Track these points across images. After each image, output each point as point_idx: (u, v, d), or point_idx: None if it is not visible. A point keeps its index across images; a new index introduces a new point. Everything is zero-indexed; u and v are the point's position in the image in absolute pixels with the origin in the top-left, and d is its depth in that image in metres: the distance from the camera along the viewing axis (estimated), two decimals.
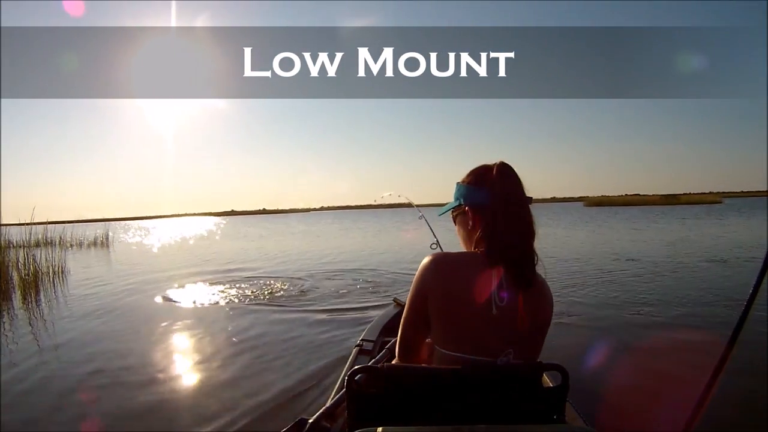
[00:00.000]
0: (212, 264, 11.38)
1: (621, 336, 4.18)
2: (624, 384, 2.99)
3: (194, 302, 6.43)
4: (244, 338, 4.50)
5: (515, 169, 1.34)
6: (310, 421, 1.57)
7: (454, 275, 1.24)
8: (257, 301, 6.32)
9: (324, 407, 1.65)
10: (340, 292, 6.82)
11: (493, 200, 1.28)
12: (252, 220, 70.12)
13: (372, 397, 1.21)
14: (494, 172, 1.32)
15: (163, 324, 5.29)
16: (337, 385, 1.97)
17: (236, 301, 6.45)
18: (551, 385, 1.26)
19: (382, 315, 3.13)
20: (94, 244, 18.56)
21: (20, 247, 9.34)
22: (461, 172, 1.44)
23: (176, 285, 7.98)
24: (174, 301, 6.61)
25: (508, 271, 1.22)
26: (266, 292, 6.97)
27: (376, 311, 3.18)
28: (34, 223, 11.05)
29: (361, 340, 2.53)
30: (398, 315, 2.92)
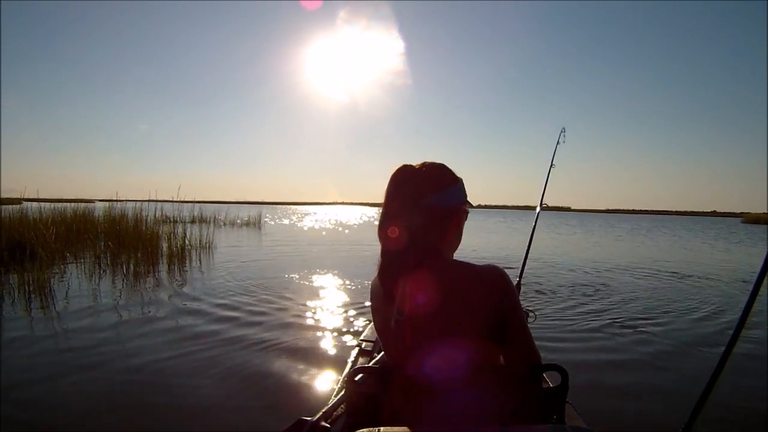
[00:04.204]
0: None
1: (622, 335, 4.25)
2: (624, 384, 3.05)
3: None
4: None
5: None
6: (311, 420, 1.51)
7: (374, 291, 1.33)
8: None
9: (324, 407, 1.61)
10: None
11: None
12: None
13: (372, 398, 1.27)
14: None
15: (285, 294, 5.79)
16: (338, 386, 1.90)
17: None
18: (551, 386, 1.30)
19: None
20: (247, 224, 20.63)
21: (176, 222, 10.60)
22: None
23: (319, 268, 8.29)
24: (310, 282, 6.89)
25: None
26: None
27: None
28: (203, 202, 12.60)
29: (361, 340, 2.45)
30: None
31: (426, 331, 1.18)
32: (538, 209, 3.32)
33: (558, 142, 3.38)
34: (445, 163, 1.36)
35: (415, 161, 1.32)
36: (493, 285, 1.20)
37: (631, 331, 4.46)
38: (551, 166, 3.34)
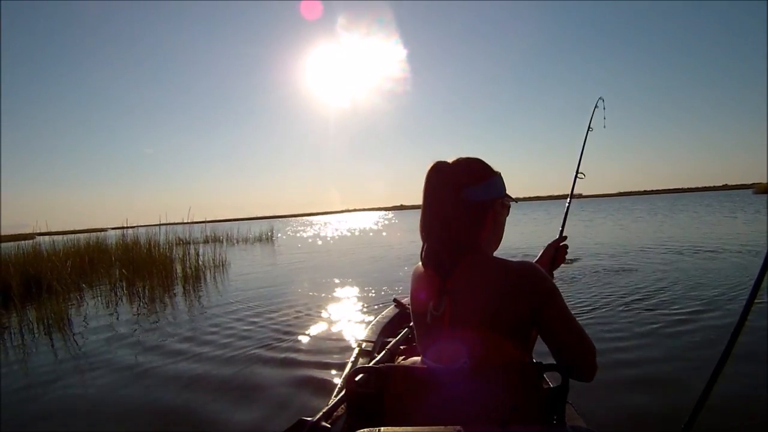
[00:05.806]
0: None
1: (623, 333, 4.10)
2: (624, 384, 3.02)
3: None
4: None
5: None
6: (311, 421, 1.52)
7: (414, 285, 1.36)
8: None
9: (325, 407, 1.61)
10: None
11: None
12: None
13: (372, 398, 1.27)
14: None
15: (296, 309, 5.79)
16: (338, 386, 1.92)
17: None
18: (551, 386, 1.29)
19: (382, 315, 3.04)
20: (260, 239, 20.77)
21: (188, 243, 10.76)
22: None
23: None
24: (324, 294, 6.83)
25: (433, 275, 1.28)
26: None
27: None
28: (208, 221, 12.78)
29: (361, 340, 2.49)
30: (398, 315, 2.92)
31: (457, 325, 1.20)
32: (574, 178, 2.70)
33: (596, 106, 2.87)
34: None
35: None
36: (526, 282, 1.19)
37: (648, 321, 4.33)
38: (588, 129, 2.83)
